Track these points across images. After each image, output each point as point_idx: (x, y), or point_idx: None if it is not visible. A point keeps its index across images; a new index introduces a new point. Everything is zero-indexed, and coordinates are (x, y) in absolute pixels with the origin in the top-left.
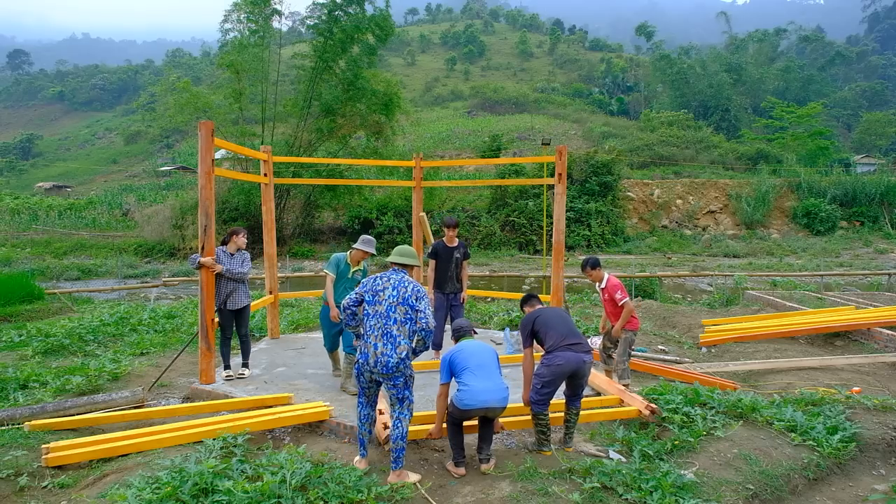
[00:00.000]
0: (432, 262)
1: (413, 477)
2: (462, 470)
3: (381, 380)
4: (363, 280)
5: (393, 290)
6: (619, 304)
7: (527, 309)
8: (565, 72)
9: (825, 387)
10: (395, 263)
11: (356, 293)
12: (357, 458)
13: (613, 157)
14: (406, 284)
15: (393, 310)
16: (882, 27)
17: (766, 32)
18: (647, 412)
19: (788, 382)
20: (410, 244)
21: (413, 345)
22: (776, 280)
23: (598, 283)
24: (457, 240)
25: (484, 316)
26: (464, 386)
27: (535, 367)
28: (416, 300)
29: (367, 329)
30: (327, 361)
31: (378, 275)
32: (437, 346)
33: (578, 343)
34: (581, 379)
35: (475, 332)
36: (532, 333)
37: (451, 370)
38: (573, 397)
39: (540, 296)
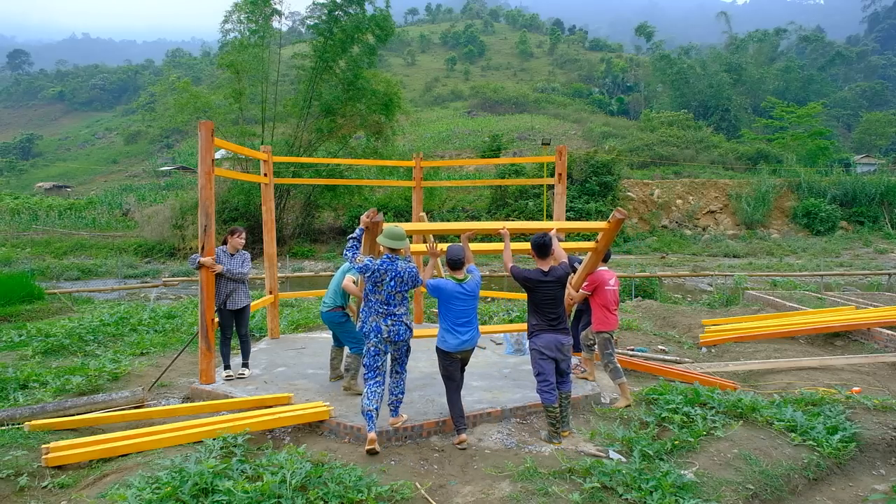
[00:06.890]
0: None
1: (404, 417)
2: (464, 436)
3: (388, 348)
4: (370, 264)
5: (391, 280)
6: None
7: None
8: (565, 72)
9: (825, 387)
10: (389, 249)
11: (365, 262)
12: (370, 435)
13: (613, 157)
14: (402, 275)
15: (392, 297)
16: (882, 27)
17: (766, 32)
18: (617, 214)
19: (788, 382)
20: (410, 244)
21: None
22: (776, 280)
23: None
24: None
25: (484, 316)
26: (443, 333)
27: (530, 356)
28: (414, 284)
29: (371, 310)
30: (327, 361)
31: (379, 263)
32: None
33: (558, 320)
34: (563, 362)
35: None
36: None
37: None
38: (559, 382)
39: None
